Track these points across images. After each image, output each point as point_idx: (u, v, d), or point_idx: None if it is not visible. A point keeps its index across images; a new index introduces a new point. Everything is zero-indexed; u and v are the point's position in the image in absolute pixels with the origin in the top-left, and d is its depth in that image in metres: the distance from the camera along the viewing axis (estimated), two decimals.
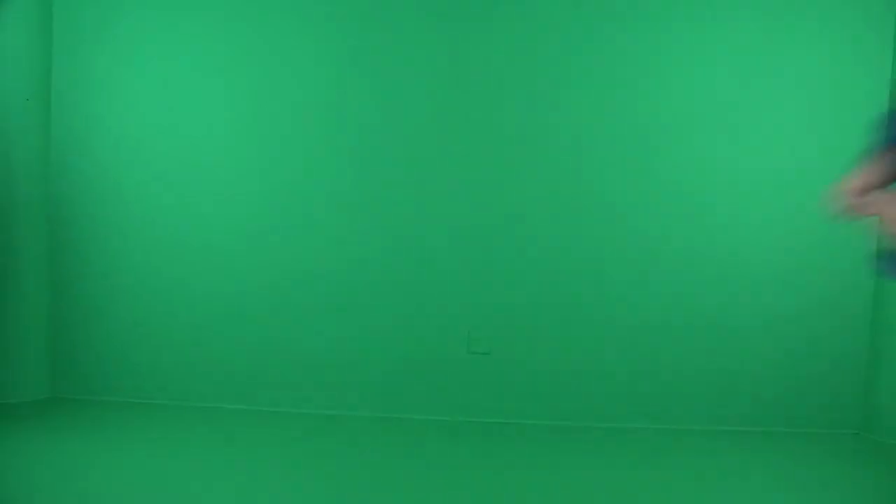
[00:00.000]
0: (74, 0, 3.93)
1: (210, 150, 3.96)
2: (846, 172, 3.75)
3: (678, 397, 3.97)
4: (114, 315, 4.03)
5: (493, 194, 3.92)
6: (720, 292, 3.93)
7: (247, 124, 3.96)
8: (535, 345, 3.97)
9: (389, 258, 3.93)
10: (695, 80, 3.86)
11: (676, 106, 3.88)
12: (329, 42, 3.91)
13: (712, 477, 3.26)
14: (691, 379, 3.96)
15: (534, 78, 3.87)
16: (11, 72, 3.77)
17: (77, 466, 3.08)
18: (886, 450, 3.69)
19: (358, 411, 3.95)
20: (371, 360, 3.97)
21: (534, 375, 3.98)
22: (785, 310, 3.93)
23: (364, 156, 3.90)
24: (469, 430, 3.77)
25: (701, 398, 3.97)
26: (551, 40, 3.87)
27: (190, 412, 3.89)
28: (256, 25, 3.92)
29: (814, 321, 3.92)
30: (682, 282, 3.93)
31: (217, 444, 3.42)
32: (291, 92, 3.93)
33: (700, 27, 3.85)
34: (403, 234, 3.93)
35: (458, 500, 2.89)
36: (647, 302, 3.93)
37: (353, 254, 3.95)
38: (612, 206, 3.91)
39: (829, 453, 3.62)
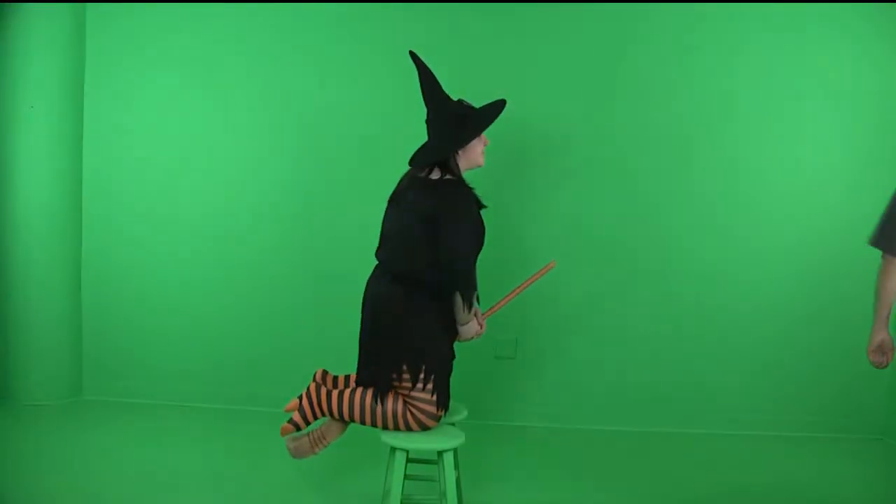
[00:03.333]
0: (106, 17, 3.99)
1: (232, 163, 4.01)
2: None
3: (699, 402, 3.97)
4: (140, 321, 4.08)
5: (521, 201, 3.94)
6: (743, 298, 3.93)
7: (261, 139, 4.00)
8: (561, 349, 3.99)
9: None
10: (721, 88, 3.87)
11: (703, 115, 3.88)
12: (331, 57, 3.94)
13: (730, 480, 3.27)
14: (712, 384, 3.96)
15: (555, 84, 3.91)
16: (46, 83, 3.86)
17: (102, 465, 3.15)
18: None
19: None
20: None
21: (559, 380, 4.00)
22: (807, 315, 3.92)
23: (374, 163, 3.91)
24: (494, 433, 3.81)
25: (723, 403, 3.97)
26: (581, 48, 3.90)
27: (215, 414, 3.95)
28: (275, 44, 3.96)
29: (837, 326, 3.91)
30: (705, 288, 3.93)
31: (239, 446, 3.47)
32: (308, 109, 3.98)
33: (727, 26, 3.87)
34: None
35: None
36: (671, 309, 3.94)
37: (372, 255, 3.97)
38: (638, 216, 3.93)
39: (852, 458, 3.62)
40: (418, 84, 2.55)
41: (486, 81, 3.82)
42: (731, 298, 3.94)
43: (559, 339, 3.99)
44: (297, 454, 2.54)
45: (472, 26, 3.88)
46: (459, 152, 2.54)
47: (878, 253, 2.38)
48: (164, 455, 3.32)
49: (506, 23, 3.87)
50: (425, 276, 2.43)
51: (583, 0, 3.84)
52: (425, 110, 2.57)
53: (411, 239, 2.46)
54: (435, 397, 2.45)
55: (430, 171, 2.52)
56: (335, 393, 2.50)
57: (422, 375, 2.44)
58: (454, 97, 2.59)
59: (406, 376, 2.44)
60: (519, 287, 2.75)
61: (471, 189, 2.52)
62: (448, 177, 2.50)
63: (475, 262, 2.51)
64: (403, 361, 2.44)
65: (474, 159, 2.58)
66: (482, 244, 2.56)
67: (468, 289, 2.44)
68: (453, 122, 2.51)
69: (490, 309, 2.71)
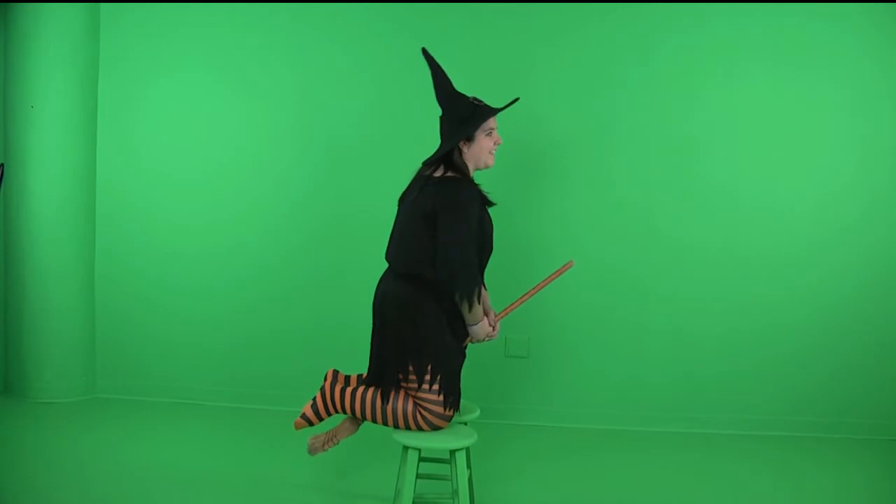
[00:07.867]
0: (120, 13, 4.02)
1: (247, 163, 4.03)
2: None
3: (716, 402, 3.94)
4: (153, 320, 4.11)
5: (533, 200, 3.93)
6: (760, 300, 3.89)
7: (277, 137, 4.01)
8: (573, 349, 3.97)
9: None
10: (730, 87, 3.84)
11: (716, 116, 3.85)
12: (343, 56, 3.95)
13: (744, 482, 3.25)
14: (729, 384, 3.93)
15: (568, 84, 3.90)
16: (60, 81, 3.89)
17: (114, 463, 3.17)
18: None
19: None
20: None
21: (571, 379, 3.99)
22: (829, 314, 3.87)
23: (388, 163, 3.90)
24: (506, 432, 3.80)
25: (738, 404, 3.94)
26: (591, 48, 3.88)
27: (227, 413, 3.96)
28: (296, 45, 3.97)
29: (856, 326, 3.86)
30: (720, 286, 3.89)
31: (252, 445, 3.48)
32: (324, 103, 3.98)
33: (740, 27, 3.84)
34: None
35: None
36: (685, 307, 3.91)
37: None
38: (649, 213, 3.89)
39: (870, 460, 3.58)
40: (431, 83, 2.54)
41: (500, 81, 3.82)
42: (748, 299, 3.89)
43: (571, 339, 3.97)
44: (310, 449, 2.58)
45: (486, 25, 3.87)
46: (466, 150, 2.51)
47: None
48: (177, 453, 3.33)
49: (520, 22, 3.85)
50: (429, 274, 2.41)
51: (600, 0, 3.83)
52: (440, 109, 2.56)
53: (413, 237, 2.44)
54: (442, 397, 2.42)
55: (436, 169, 2.51)
56: (348, 390, 2.51)
57: (427, 376, 2.42)
58: (469, 95, 2.56)
59: (412, 376, 2.43)
60: (536, 287, 2.71)
61: (475, 186, 2.50)
62: (450, 174, 2.49)
63: (475, 260, 2.43)
64: (409, 360, 2.43)
65: (482, 158, 2.54)
66: (488, 243, 2.52)
67: (466, 287, 2.37)
68: (461, 117, 2.49)
69: (505, 310, 2.69)
